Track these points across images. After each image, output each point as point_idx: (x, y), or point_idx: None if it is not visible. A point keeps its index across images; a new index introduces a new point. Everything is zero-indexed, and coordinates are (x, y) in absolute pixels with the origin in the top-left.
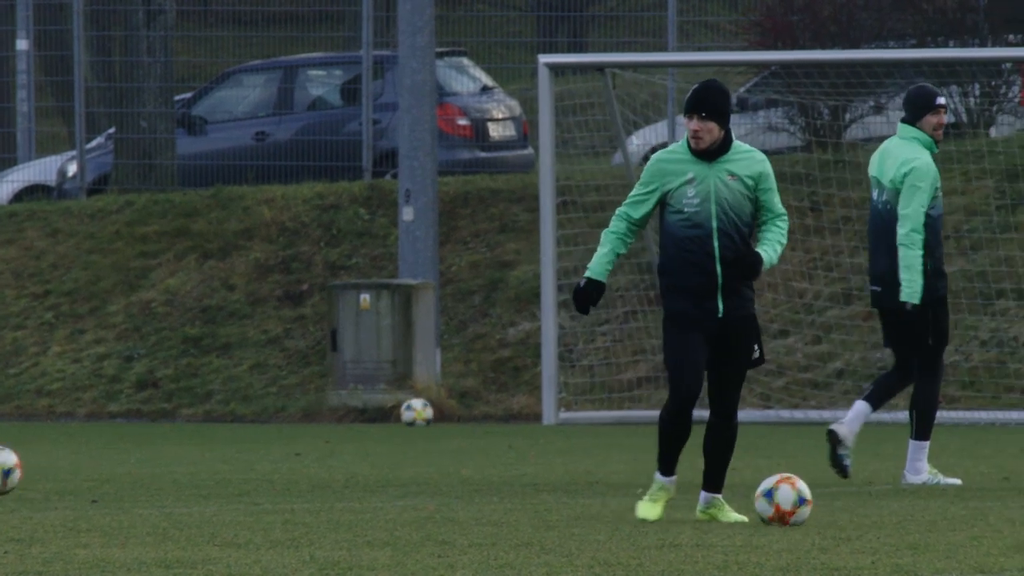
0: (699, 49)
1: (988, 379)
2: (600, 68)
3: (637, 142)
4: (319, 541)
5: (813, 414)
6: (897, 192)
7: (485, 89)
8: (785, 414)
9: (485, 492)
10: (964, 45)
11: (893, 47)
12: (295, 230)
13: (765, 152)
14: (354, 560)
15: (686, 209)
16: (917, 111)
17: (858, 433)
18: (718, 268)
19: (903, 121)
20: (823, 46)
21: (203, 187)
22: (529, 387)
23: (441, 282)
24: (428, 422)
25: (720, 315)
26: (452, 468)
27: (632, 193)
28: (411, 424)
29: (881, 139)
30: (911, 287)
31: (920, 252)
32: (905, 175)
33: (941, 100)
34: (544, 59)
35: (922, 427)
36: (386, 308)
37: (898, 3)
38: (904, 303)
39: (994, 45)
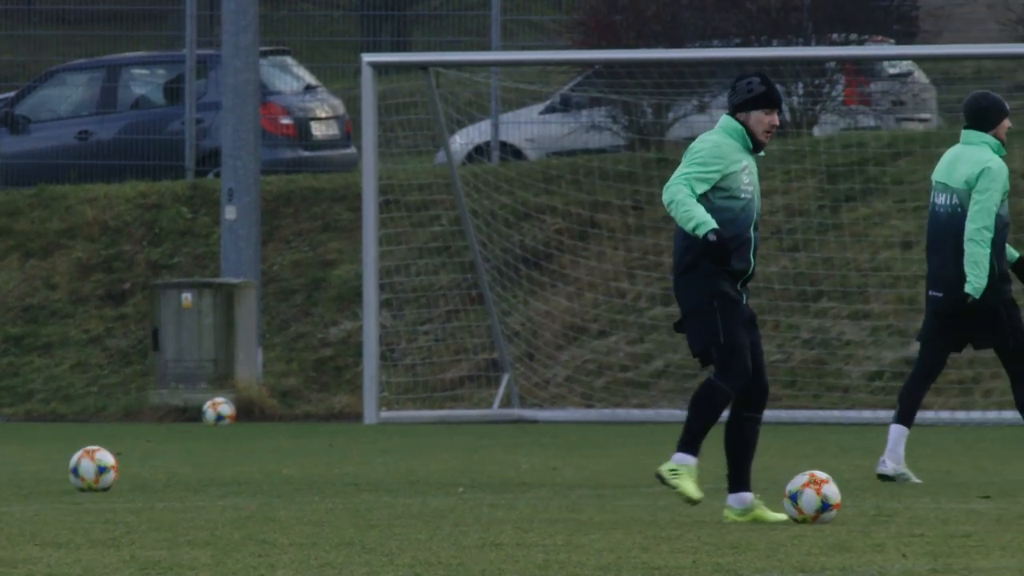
0: (523, 48)
1: (809, 378)
2: (424, 67)
3: (460, 141)
4: (140, 540)
5: (635, 413)
6: (970, 192)
7: (308, 88)
8: (607, 413)
9: (306, 491)
10: (788, 44)
11: (717, 46)
12: (117, 229)
13: (587, 152)
14: (175, 559)
15: (742, 195)
16: (994, 117)
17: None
18: (752, 258)
19: (970, 127)
20: (647, 45)
21: (26, 186)
22: (351, 386)
23: (263, 281)
24: (222, 417)
25: (744, 303)
26: (273, 467)
27: (694, 170)
28: (219, 420)
29: None
30: (977, 282)
31: (988, 250)
32: (979, 175)
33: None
34: (367, 58)
35: None
36: (208, 307)
37: (722, 2)
38: (966, 295)
39: (818, 44)
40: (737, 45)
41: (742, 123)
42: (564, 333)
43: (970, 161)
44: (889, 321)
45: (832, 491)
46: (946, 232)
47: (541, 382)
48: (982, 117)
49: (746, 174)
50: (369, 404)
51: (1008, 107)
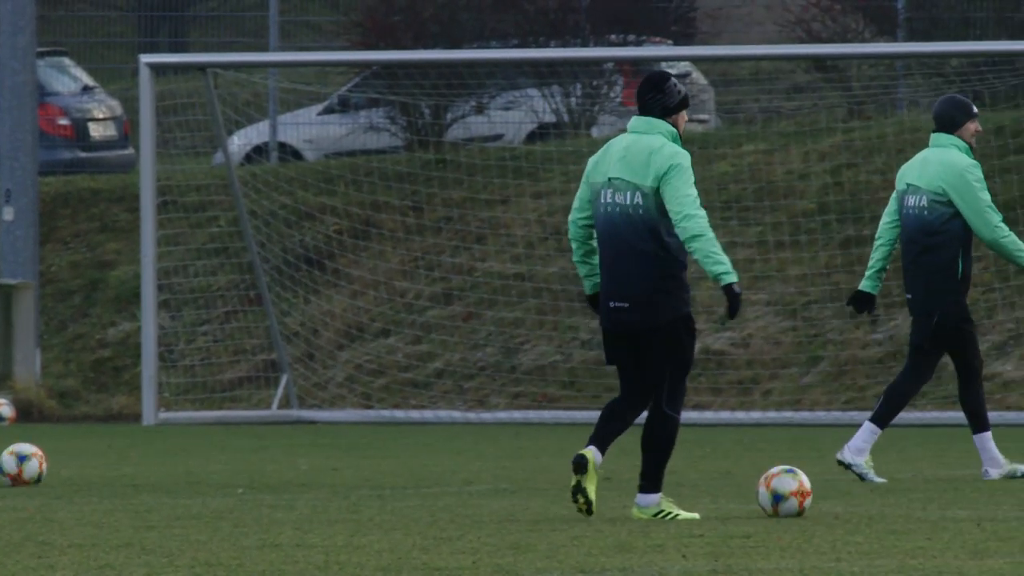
0: (301, 49)
1: (589, 379)
2: (201, 68)
3: (238, 142)
4: None
5: (414, 414)
6: (941, 196)
7: (86, 89)
8: (386, 414)
9: (85, 492)
10: (566, 45)
11: (495, 47)
12: None
13: (365, 152)
14: None
15: None
16: (959, 119)
17: (994, 451)
18: None
19: (938, 131)
20: (424, 46)
21: None
22: (129, 387)
23: (41, 282)
24: (2, 418)
25: None
26: (52, 468)
27: (696, 193)
28: None
29: (484, 139)
30: None
31: (1013, 236)
32: (958, 177)
33: (975, 107)
34: (145, 59)
35: (884, 413)
36: None
37: (500, 3)
38: None
39: (596, 45)
40: (515, 46)
41: (674, 124)
42: (345, 332)
43: (943, 164)
44: None
45: (783, 483)
46: (911, 235)
47: (320, 383)
48: (948, 120)
49: None
50: (148, 405)
51: (975, 110)
